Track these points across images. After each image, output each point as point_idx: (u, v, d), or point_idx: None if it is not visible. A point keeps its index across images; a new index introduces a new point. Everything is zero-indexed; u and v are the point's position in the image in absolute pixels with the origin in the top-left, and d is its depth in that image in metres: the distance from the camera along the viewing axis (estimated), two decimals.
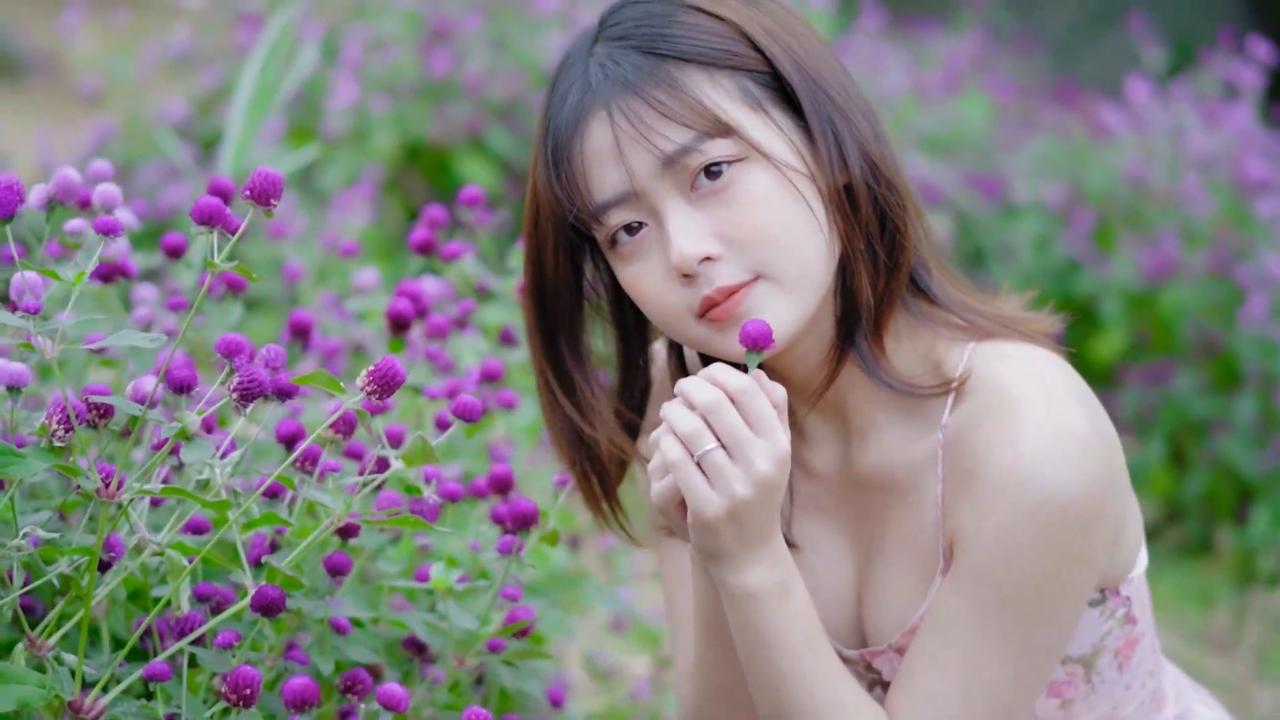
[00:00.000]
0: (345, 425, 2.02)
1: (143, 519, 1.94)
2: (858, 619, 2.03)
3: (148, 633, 2.03)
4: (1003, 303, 2.03)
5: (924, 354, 1.95)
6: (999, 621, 1.87)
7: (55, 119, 5.46)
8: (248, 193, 1.80)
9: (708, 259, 1.87)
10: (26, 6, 6.35)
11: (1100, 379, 5.11)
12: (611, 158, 1.88)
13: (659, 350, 2.13)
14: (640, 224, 1.90)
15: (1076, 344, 5.06)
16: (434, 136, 5.08)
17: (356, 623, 2.15)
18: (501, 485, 2.23)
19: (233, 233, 1.80)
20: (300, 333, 2.42)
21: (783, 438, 1.79)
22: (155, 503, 2.08)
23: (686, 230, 1.87)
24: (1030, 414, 1.85)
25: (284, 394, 1.92)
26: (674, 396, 1.83)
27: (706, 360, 2.01)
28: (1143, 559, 2.04)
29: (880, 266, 1.91)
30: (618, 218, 1.90)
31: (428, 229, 2.56)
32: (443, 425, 2.44)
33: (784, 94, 1.90)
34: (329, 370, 2.73)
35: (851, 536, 2.03)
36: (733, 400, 1.80)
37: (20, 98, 6.20)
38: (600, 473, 2.07)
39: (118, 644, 2.08)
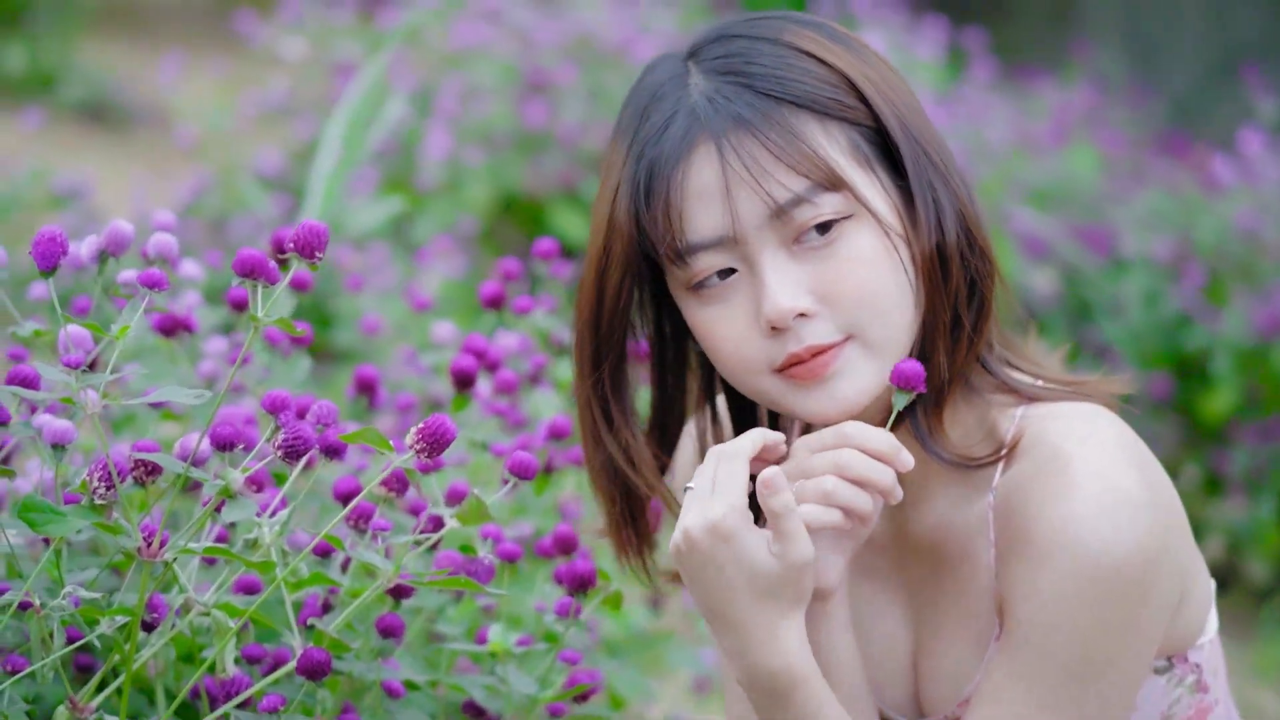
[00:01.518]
0: (398, 483, 1.98)
1: (192, 578, 1.90)
2: (914, 689, 1.96)
3: (201, 695, 1.99)
4: (1043, 357, 1.96)
5: (978, 421, 1.89)
6: (1051, 691, 1.79)
7: (157, 170, 5.48)
8: (291, 245, 1.76)
9: (802, 315, 1.80)
10: (135, 57, 6.40)
11: (1210, 437, 5.00)
12: (716, 197, 1.80)
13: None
14: (731, 270, 1.83)
15: (1186, 401, 5.02)
16: (528, 188, 5.05)
17: (413, 686, 2.10)
18: (566, 545, 2.18)
19: (273, 283, 1.76)
20: (366, 388, 2.37)
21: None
22: (210, 561, 2.05)
23: (784, 284, 1.80)
24: (1080, 472, 1.78)
25: (332, 451, 1.88)
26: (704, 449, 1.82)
27: (742, 415, 1.95)
28: (1212, 623, 1.96)
29: (962, 338, 1.85)
30: (708, 261, 1.82)
31: (500, 282, 2.51)
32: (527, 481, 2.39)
33: (884, 150, 1.84)
34: (404, 425, 2.70)
35: (907, 604, 1.96)
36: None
37: (125, 148, 6.24)
38: (637, 515, 1.99)
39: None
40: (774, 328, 1.80)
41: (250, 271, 1.74)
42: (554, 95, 5.20)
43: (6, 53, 6.90)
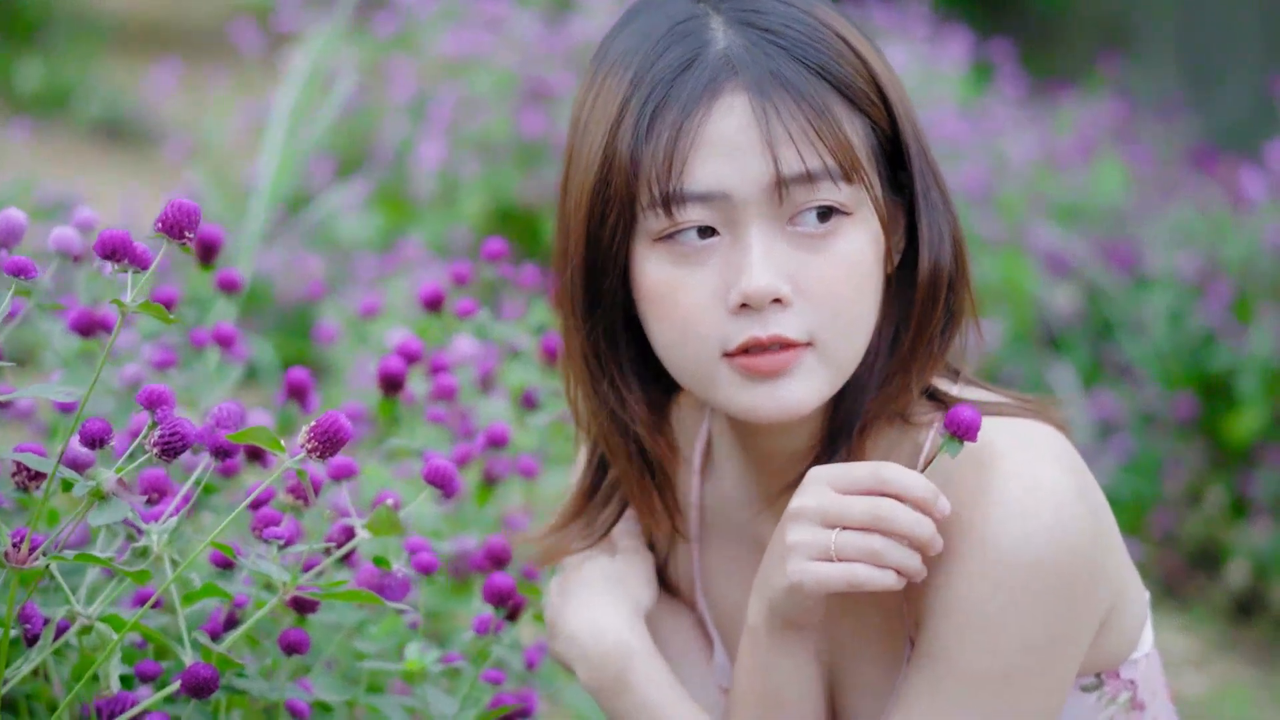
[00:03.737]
0: (304, 490, 1.86)
1: (98, 592, 1.80)
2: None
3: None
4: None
5: (901, 437, 1.78)
6: (965, 705, 1.65)
7: (151, 182, 5.40)
8: (159, 225, 1.64)
9: (778, 301, 1.66)
10: (155, 75, 6.34)
11: (1236, 459, 4.84)
12: (729, 150, 1.66)
13: None
14: (710, 231, 1.69)
15: (1211, 422, 4.86)
16: (524, 199, 4.92)
17: (325, 707, 1.97)
18: (498, 558, 2.05)
19: (144, 268, 1.64)
20: (296, 393, 2.25)
21: None
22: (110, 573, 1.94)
23: (770, 262, 1.66)
24: (1001, 470, 1.65)
25: (220, 452, 1.76)
26: None
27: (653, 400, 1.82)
28: (1147, 639, 1.82)
29: (914, 367, 1.74)
30: (695, 214, 1.68)
31: (440, 285, 2.39)
32: (449, 493, 2.27)
33: (889, 159, 1.73)
34: (356, 436, 2.58)
35: (820, 629, 1.81)
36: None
37: (140, 166, 6.17)
38: (655, 470, 1.85)
39: None
40: (744, 305, 1.67)
41: (112, 253, 1.62)
42: (553, 105, 5.07)
43: (23, 69, 6.87)
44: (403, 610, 1.89)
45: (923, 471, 1.65)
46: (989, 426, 1.68)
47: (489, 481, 2.31)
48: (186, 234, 1.62)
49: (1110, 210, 5.48)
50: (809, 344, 1.68)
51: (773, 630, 1.71)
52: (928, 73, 5.73)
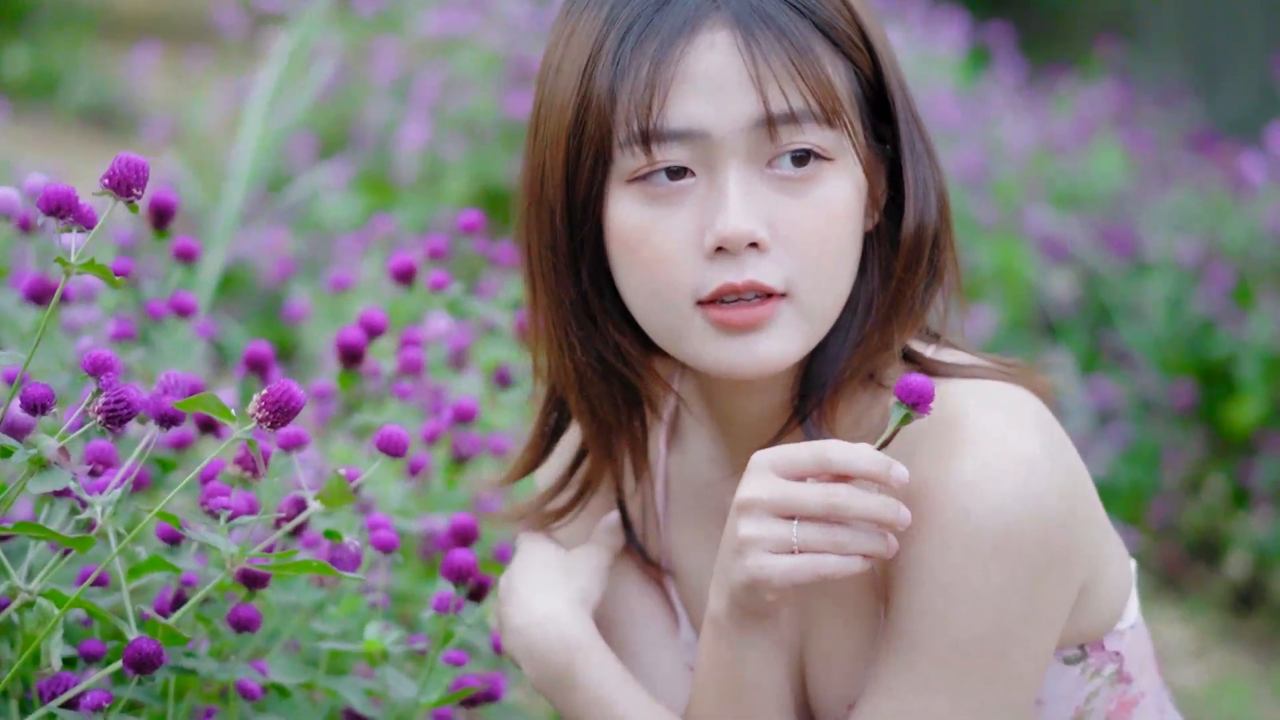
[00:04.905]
0: (255, 462, 1.79)
1: (25, 565, 1.72)
2: (804, 696, 1.75)
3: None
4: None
5: (873, 402, 1.71)
6: (942, 675, 1.58)
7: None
8: (106, 181, 1.57)
9: (754, 245, 1.59)
10: (124, 56, 6.28)
11: (1237, 447, 4.77)
12: (709, 86, 1.59)
13: None
14: (685, 172, 1.61)
15: (1211, 410, 4.81)
16: (510, 181, 4.83)
17: (282, 690, 1.89)
18: (464, 536, 1.97)
19: (90, 226, 1.57)
20: (257, 367, 2.16)
21: None
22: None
23: (748, 204, 1.59)
24: (972, 431, 1.58)
25: (166, 420, 1.68)
26: None
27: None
28: (1132, 610, 1.74)
29: (892, 327, 1.67)
30: (671, 154, 1.60)
31: (412, 258, 2.31)
32: (415, 469, 2.20)
33: (873, 109, 1.66)
34: (320, 414, 2.51)
35: (791, 604, 1.74)
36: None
37: (112, 148, 6.10)
38: (638, 409, 1.76)
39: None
40: (720, 249, 1.59)
41: (56, 208, 1.55)
42: None
43: (10, 56, 6.81)
44: (364, 588, 1.82)
45: (881, 449, 1.56)
46: (958, 389, 1.62)
47: (458, 459, 2.23)
48: (134, 191, 1.56)
49: (1109, 194, 5.42)
50: (785, 295, 1.61)
51: (735, 621, 1.63)
52: (924, 57, 5.66)
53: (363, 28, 4.94)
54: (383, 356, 2.50)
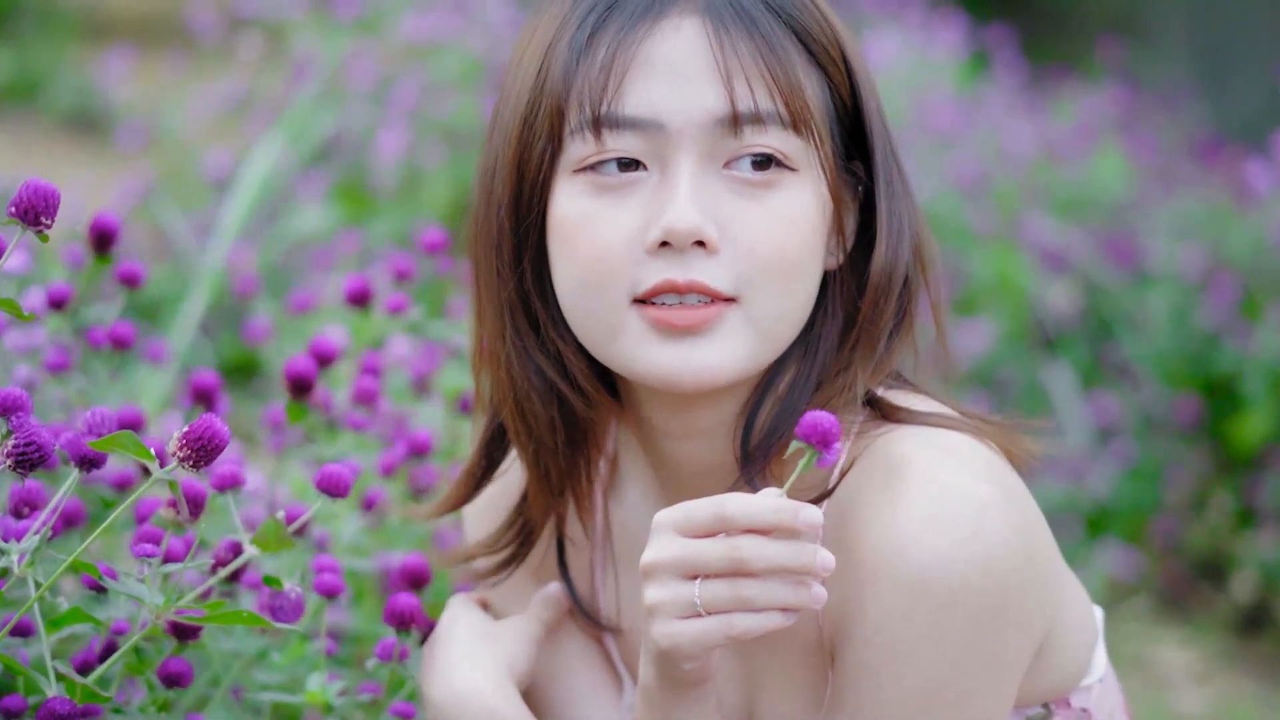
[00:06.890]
0: (192, 505, 1.68)
1: None
2: None
3: None
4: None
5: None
6: None
7: (117, 172, 5.24)
8: (12, 209, 1.47)
9: (701, 244, 1.49)
10: (125, 66, 6.19)
11: (1242, 464, 4.70)
12: (670, 75, 1.50)
13: None
14: (637, 164, 1.52)
15: (1216, 426, 4.74)
16: None
17: None
18: (414, 578, 1.86)
19: None
20: (203, 398, 2.04)
21: None
22: None
23: (698, 199, 1.49)
24: (915, 477, 1.47)
25: (86, 463, 1.57)
26: None
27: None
28: (1099, 663, 1.64)
29: (853, 370, 1.57)
30: (625, 143, 1.51)
31: (366, 280, 2.18)
32: (369, 504, 2.08)
33: (847, 133, 1.57)
34: (275, 444, 2.38)
35: (735, 658, 1.64)
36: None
37: (110, 157, 6.02)
38: (586, 440, 1.65)
39: None
40: (664, 244, 1.49)
41: None
42: None
43: None
44: (303, 635, 1.70)
45: (787, 494, 1.42)
46: (907, 434, 1.52)
47: (416, 493, 2.11)
48: (43, 220, 1.48)
49: (1110, 203, 5.34)
50: (732, 300, 1.50)
51: (665, 691, 1.50)
52: (921, 61, 5.57)
53: (340, 32, 4.84)
54: (338, 384, 2.38)
